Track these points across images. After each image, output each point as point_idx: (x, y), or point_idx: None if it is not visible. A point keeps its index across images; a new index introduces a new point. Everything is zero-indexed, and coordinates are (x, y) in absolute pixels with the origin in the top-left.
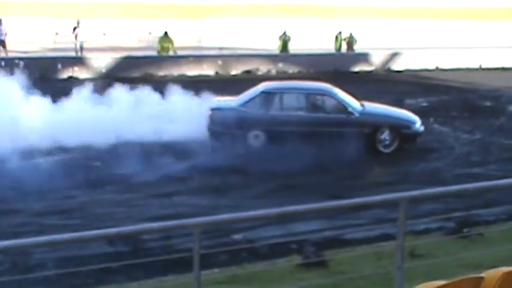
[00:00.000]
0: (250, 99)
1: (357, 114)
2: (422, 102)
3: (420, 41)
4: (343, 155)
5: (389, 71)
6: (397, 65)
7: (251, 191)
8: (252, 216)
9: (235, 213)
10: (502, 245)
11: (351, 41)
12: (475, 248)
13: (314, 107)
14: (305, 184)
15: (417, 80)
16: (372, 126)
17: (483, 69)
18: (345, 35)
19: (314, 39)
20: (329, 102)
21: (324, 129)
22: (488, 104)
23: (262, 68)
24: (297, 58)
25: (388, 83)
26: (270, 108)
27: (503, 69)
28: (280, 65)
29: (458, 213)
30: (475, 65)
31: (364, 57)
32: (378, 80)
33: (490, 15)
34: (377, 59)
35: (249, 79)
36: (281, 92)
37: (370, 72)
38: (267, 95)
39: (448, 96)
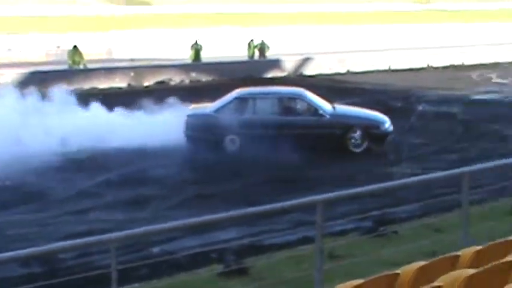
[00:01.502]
0: (225, 105)
1: (327, 116)
2: None
3: (331, 46)
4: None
5: (302, 76)
6: (309, 70)
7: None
8: (168, 227)
9: (150, 226)
10: (415, 241)
11: (262, 48)
12: (391, 246)
13: (287, 110)
14: (223, 192)
15: (330, 83)
16: (343, 127)
17: (393, 70)
18: (257, 42)
19: (228, 47)
20: (301, 105)
21: (297, 131)
22: (399, 104)
23: (175, 78)
24: (210, 66)
25: (301, 88)
26: (244, 113)
27: (412, 70)
28: (193, 74)
29: (373, 213)
30: (385, 66)
31: (276, 64)
32: (291, 85)
33: (398, 18)
34: (289, 65)
35: (162, 90)
36: (254, 97)
37: (283, 78)
38: (241, 100)
39: (361, 99)
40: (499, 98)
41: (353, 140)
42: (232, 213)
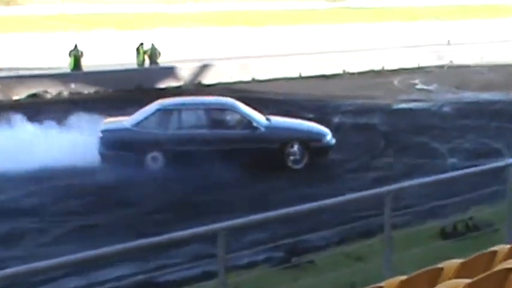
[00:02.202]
0: (146, 119)
1: (262, 129)
2: None
3: (233, 50)
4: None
5: (200, 85)
6: (208, 78)
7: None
8: (43, 266)
9: (23, 265)
10: (334, 271)
11: (153, 54)
12: (306, 277)
13: (216, 123)
14: (111, 222)
15: (232, 93)
16: (280, 141)
17: (303, 77)
18: (147, 47)
19: (113, 53)
20: (232, 117)
21: (228, 146)
22: (311, 116)
23: (51, 90)
24: (92, 76)
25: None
26: (168, 126)
27: (326, 76)
28: (73, 85)
29: (285, 241)
30: (294, 73)
31: (170, 71)
32: (187, 96)
33: (308, 18)
34: (185, 73)
35: (36, 104)
36: (179, 108)
37: (179, 87)
38: (164, 112)
39: (267, 110)
40: (424, 106)
41: (292, 156)
42: (118, 247)
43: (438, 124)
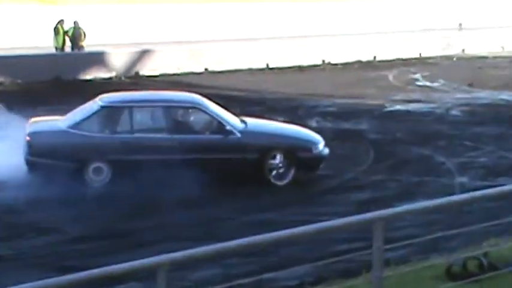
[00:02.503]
0: (87, 118)
1: (238, 134)
2: None
3: (181, 33)
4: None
5: (138, 76)
6: (148, 68)
7: None
8: None
9: None
10: None
11: (76, 35)
12: None
13: (179, 125)
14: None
15: (179, 88)
16: (259, 149)
17: (271, 69)
18: (69, 26)
19: (23, 34)
20: (199, 119)
21: (194, 155)
22: (281, 118)
23: None
24: None
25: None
26: (116, 129)
27: (301, 68)
28: None
29: (245, 280)
30: (260, 64)
31: (99, 58)
32: (121, 89)
33: None
34: (118, 60)
35: None
36: (130, 106)
37: (109, 79)
38: (110, 111)
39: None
40: (427, 108)
41: (274, 169)
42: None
43: (444, 132)
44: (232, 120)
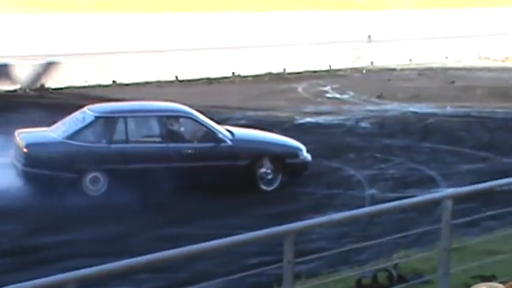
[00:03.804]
0: (82, 129)
1: (229, 142)
2: None
3: (88, 44)
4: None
5: (44, 89)
6: (54, 81)
7: None
8: None
9: None
10: None
11: None
12: None
13: (172, 134)
14: None
15: (85, 101)
16: (250, 156)
17: (181, 81)
18: None
19: None
20: (191, 128)
21: (189, 164)
22: None
23: None
24: None
25: (40, 109)
26: (112, 139)
27: (209, 80)
28: None
29: None
30: (169, 76)
31: (2, 70)
32: (24, 105)
33: (186, 4)
34: (23, 73)
35: None
36: (124, 116)
37: (14, 92)
38: (105, 121)
39: None
40: (336, 121)
41: (264, 175)
42: None
43: (354, 144)
44: (221, 129)
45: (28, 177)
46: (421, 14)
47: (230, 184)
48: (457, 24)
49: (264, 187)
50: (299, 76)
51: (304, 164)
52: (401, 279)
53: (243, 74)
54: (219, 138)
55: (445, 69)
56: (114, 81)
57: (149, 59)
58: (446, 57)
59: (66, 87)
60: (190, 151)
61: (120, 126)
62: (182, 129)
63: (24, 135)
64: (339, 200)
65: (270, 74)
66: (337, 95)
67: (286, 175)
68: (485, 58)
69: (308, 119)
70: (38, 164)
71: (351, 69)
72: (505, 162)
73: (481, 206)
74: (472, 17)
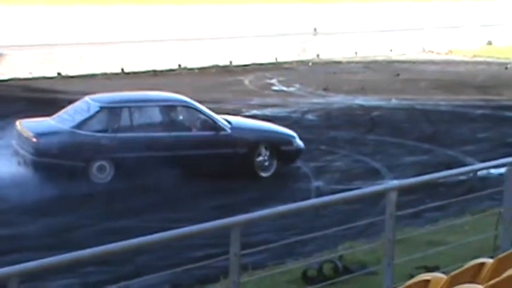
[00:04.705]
0: (88, 119)
1: (228, 131)
2: None
3: (33, 36)
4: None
5: None
6: None
7: None
8: None
9: None
10: None
11: None
12: None
13: (174, 123)
14: None
15: (29, 94)
16: (249, 144)
17: (127, 73)
18: None
19: None
20: (192, 117)
21: (190, 152)
22: None
23: None
24: None
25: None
26: (117, 128)
27: (156, 72)
28: None
29: None
30: (114, 68)
31: None
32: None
33: None
34: None
35: None
36: (127, 106)
37: None
38: (109, 111)
39: None
40: (283, 113)
41: (261, 161)
42: None
43: (301, 136)
44: (219, 118)
45: (37, 166)
46: (366, 7)
47: (229, 171)
48: (402, 17)
49: (261, 173)
50: (245, 69)
51: (298, 150)
52: (347, 270)
53: (189, 66)
54: (219, 126)
55: (390, 62)
56: (59, 74)
57: (95, 51)
58: (391, 50)
59: (10, 79)
60: (192, 139)
61: (125, 115)
62: (184, 118)
63: (29, 124)
64: (285, 192)
65: (216, 66)
66: (284, 88)
67: (280, 162)
68: (429, 51)
69: (255, 112)
70: (47, 154)
71: (297, 62)
72: (448, 154)
73: (424, 198)
74: (416, 10)
